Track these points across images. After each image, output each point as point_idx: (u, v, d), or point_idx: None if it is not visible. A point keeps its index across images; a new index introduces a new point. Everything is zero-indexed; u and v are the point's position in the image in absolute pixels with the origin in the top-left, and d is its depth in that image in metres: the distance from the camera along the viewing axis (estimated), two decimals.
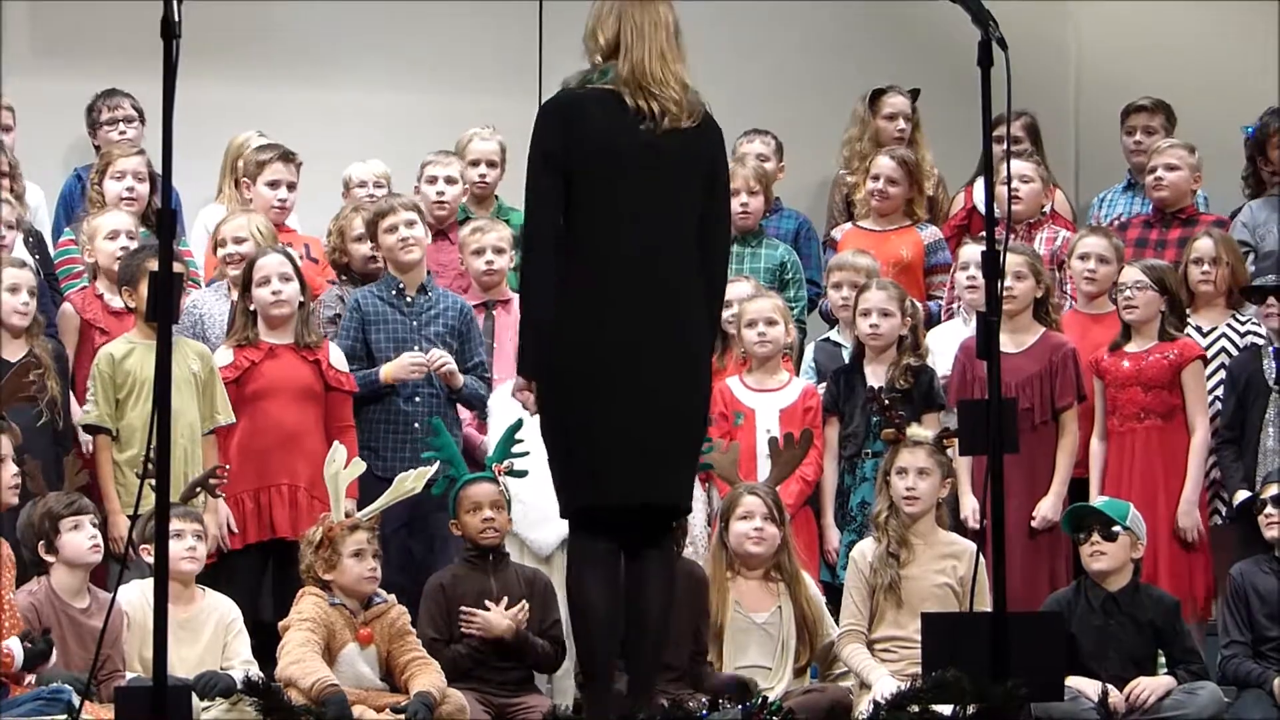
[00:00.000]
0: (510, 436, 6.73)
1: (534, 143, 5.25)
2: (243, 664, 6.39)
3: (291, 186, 8.08)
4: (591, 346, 5.15)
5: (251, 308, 7.16)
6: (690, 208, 5.25)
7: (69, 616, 6.27)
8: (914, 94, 8.99)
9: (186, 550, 6.40)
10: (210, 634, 6.43)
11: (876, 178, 8.49)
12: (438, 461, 6.62)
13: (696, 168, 5.26)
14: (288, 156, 8.07)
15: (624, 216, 5.18)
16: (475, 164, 8.46)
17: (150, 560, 6.31)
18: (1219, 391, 7.55)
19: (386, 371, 7.32)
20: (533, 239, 5.24)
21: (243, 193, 8.14)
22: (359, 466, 6.59)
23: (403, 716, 6.06)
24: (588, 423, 5.16)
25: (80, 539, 6.34)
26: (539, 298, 5.21)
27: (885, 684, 6.38)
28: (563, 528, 6.05)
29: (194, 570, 6.47)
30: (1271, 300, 7.47)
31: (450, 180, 8.29)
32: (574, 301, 5.17)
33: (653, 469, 5.19)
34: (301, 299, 7.17)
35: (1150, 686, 6.59)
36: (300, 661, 6.06)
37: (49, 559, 6.32)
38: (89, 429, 7.01)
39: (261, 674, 5.80)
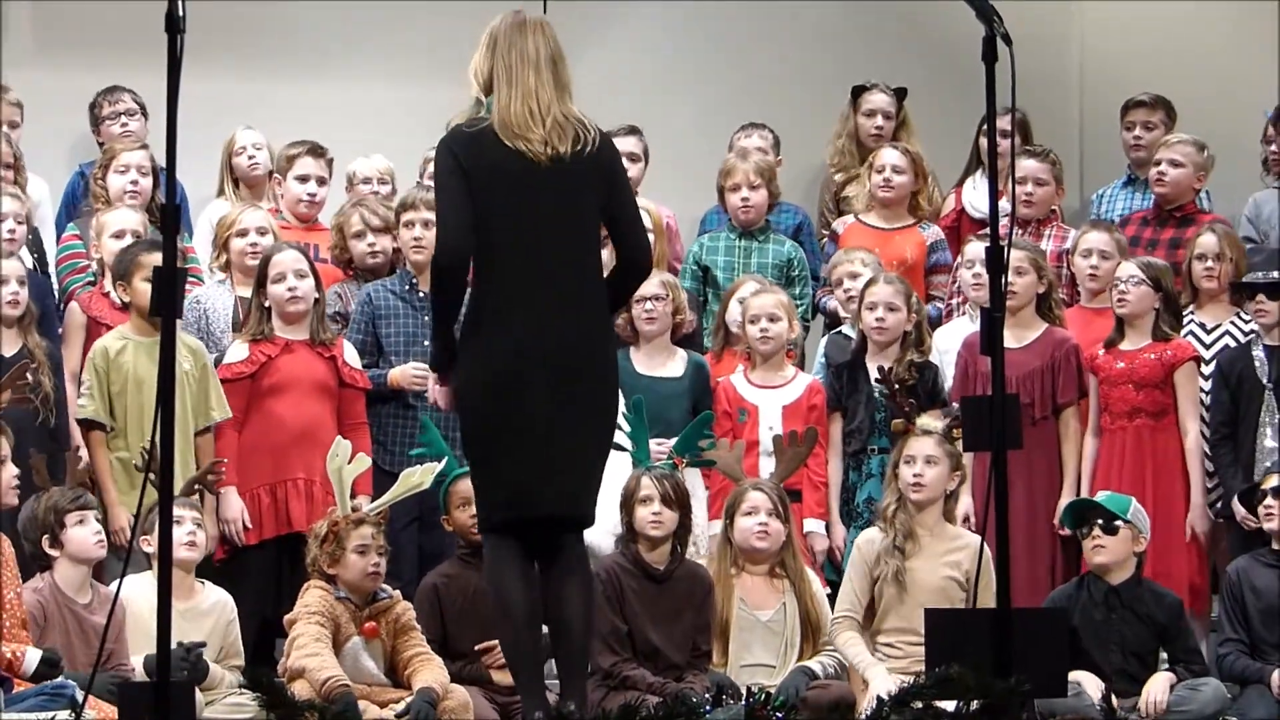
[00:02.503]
0: None
1: (437, 170, 5.44)
2: (235, 666, 6.44)
3: (321, 181, 8.09)
4: (497, 370, 5.30)
5: (266, 303, 7.15)
6: (588, 225, 5.43)
7: (72, 612, 6.27)
8: (899, 92, 8.92)
9: (186, 535, 6.41)
10: (211, 626, 6.44)
11: (881, 169, 8.40)
12: (445, 457, 6.62)
13: (589, 188, 5.40)
14: (317, 151, 8.08)
15: (523, 243, 5.33)
16: None
17: (148, 551, 6.33)
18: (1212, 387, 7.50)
19: (392, 376, 7.35)
20: (446, 254, 5.37)
21: (273, 188, 8.15)
22: (364, 462, 6.59)
23: (407, 717, 6.08)
24: (496, 441, 5.34)
25: (85, 533, 6.34)
26: (451, 310, 5.42)
27: (882, 682, 6.39)
28: None
29: (193, 558, 6.48)
30: (1261, 297, 7.40)
31: None
32: (481, 322, 5.33)
33: (562, 483, 5.33)
34: (316, 295, 7.18)
35: (1156, 695, 6.60)
36: (318, 655, 6.10)
37: (53, 553, 6.32)
38: (83, 424, 6.98)
39: (265, 669, 5.79)
